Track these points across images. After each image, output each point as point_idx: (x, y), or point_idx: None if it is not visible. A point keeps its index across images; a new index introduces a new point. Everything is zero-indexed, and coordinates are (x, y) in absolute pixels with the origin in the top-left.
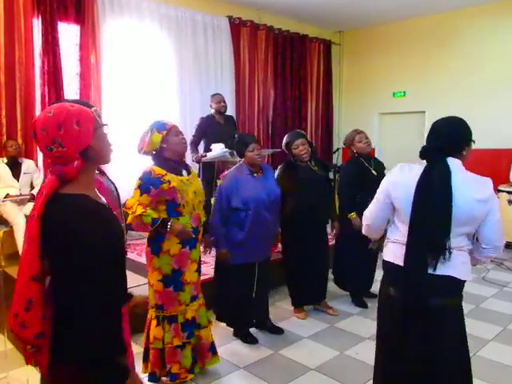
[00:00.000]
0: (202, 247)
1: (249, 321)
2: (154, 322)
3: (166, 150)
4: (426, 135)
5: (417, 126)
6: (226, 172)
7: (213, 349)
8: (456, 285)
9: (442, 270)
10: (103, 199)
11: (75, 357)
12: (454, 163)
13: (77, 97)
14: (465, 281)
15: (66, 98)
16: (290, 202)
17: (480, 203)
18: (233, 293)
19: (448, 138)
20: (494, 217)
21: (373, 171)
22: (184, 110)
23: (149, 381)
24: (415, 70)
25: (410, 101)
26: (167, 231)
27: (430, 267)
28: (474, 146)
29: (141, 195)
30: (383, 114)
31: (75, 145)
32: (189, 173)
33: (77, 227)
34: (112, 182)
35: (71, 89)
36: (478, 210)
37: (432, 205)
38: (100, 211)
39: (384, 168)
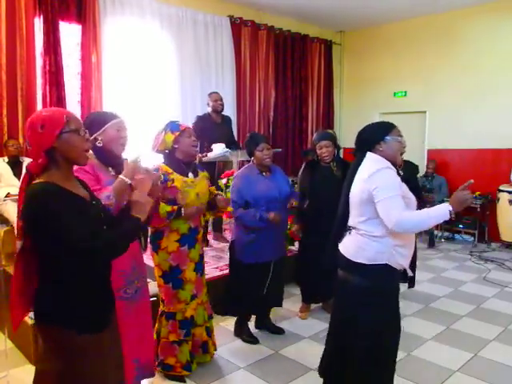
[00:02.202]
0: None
1: (250, 312)
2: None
3: (178, 151)
4: (427, 135)
5: (418, 126)
6: (232, 171)
7: (204, 347)
8: (349, 262)
9: (341, 245)
10: (82, 190)
11: (55, 316)
12: (369, 156)
13: (78, 96)
14: (357, 262)
15: (66, 97)
16: (306, 199)
17: (365, 182)
18: (246, 290)
19: (358, 139)
20: (378, 198)
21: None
22: (185, 110)
23: None
24: (416, 70)
25: (411, 101)
26: (180, 218)
27: (338, 241)
28: (475, 146)
29: None
30: (384, 114)
31: (38, 145)
32: (196, 175)
33: (35, 207)
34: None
35: (72, 88)
36: (364, 188)
37: (343, 189)
38: (57, 193)
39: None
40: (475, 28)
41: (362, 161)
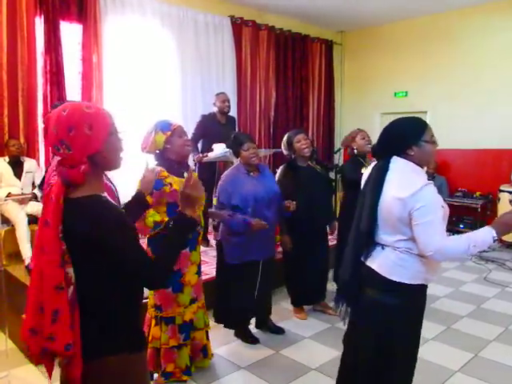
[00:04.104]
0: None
1: (246, 319)
2: (153, 322)
3: (170, 151)
4: None
5: None
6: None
7: (204, 351)
8: (379, 279)
9: (369, 261)
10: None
11: (111, 352)
12: (396, 162)
13: (79, 97)
14: (396, 281)
15: (67, 97)
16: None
17: (399, 202)
18: (235, 293)
19: (388, 138)
20: (418, 220)
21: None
22: (185, 110)
23: None
24: (417, 70)
25: (412, 101)
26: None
27: (364, 257)
28: (476, 146)
29: None
30: (385, 114)
31: (83, 149)
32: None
33: (97, 230)
34: (111, 183)
35: (73, 88)
36: (397, 208)
37: (365, 201)
38: (116, 210)
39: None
40: (477, 28)
41: (387, 167)
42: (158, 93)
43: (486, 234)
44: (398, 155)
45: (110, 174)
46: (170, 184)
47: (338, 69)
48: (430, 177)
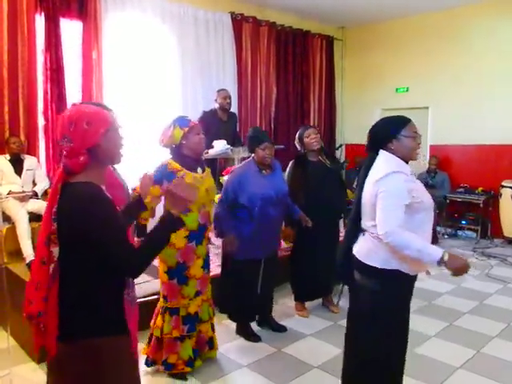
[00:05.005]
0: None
1: (251, 316)
2: (160, 311)
3: (185, 147)
4: (429, 131)
5: (420, 122)
6: (233, 167)
7: (210, 343)
8: (361, 264)
9: (354, 246)
10: (109, 195)
11: (85, 332)
12: (381, 156)
13: (79, 94)
14: (371, 266)
15: (67, 94)
16: (301, 197)
17: (371, 187)
18: (237, 288)
19: (372, 134)
20: (379, 204)
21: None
22: (186, 106)
23: (144, 364)
24: (418, 66)
25: (413, 97)
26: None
27: (352, 243)
28: (477, 142)
29: (153, 187)
30: (386, 110)
31: (82, 142)
32: (203, 170)
33: (81, 209)
34: (122, 179)
35: (73, 86)
36: (369, 193)
37: (356, 189)
38: (106, 198)
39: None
40: (478, 24)
41: (374, 160)
42: (159, 89)
43: (435, 252)
44: (383, 149)
45: (121, 170)
46: (182, 177)
47: (339, 64)
48: (432, 172)
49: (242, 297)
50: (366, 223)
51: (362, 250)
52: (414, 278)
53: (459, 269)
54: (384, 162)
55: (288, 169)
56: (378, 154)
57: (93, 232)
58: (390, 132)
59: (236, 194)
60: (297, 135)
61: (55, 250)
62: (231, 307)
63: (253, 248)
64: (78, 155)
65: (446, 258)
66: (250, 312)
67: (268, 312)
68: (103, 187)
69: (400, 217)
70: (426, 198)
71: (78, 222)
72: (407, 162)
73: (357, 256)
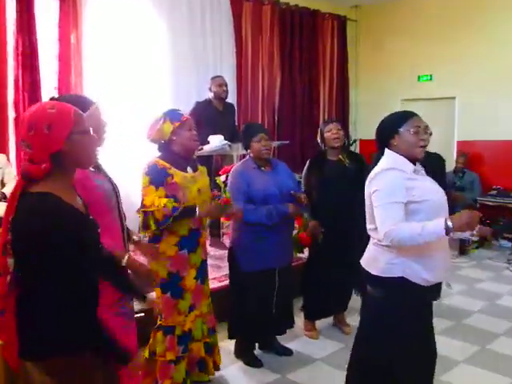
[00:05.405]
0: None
1: (260, 339)
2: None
3: (175, 143)
4: (456, 124)
5: (446, 115)
6: (232, 166)
7: (201, 365)
8: (365, 272)
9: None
10: (79, 202)
11: (45, 351)
12: (385, 153)
13: (55, 81)
14: (375, 275)
15: (41, 82)
16: (314, 200)
17: (367, 185)
18: (250, 305)
19: (377, 131)
20: (374, 203)
21: None
22: (178, 97)
23: None
24: (444, 51)
25: (438, 86)
26: (194, 217)
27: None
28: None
29: (157, 189)
30: (406, 101)
31: (42, 148)
32: (195, 170)
33: (35, 226)
34: (110, 180)
35: (48, 72)
36: (368, 192)
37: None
38: (64, 212)
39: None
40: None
41: (379, 160)
42: (147, 79)
43: (436, 226)
44: (388, 147)
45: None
46: (172, 176)
47: (353, 49)
48: (460, 172)
49: (255, 314)
50: (368, 227)
51: (366, 257)
52: (427, 289)
53: (469, 223)
54: (383, 160)
55: (304, 169)
56: (382, 153)
57: (42, 237)
58: (391, 128)
59: (246, 194)
60: (318, 130)
61: (10, 261)
62: (243, 330)
63: (264, 256)
64: (39, 162)
65: (449, 223)
66: (263, 331)
67: (288, 327)
68: (74, 193)
69: (396, 216)
70: (431, 197)
71: (29, 239)
72: (413, 161)
73: (362, 264)
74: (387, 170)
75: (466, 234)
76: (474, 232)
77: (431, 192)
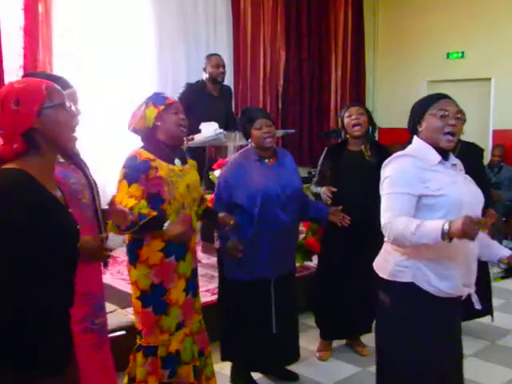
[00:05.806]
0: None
1: (260, 365)
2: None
3: (160, 130)
4: (492, 110)
5: (480, 99)
6: (227, 159)
7: None
8: (374, 274)
9: None
10: (58, 193)
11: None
12: (413, 140)
13: (20, 59)
14: (383, 278)
15: (3, 59)
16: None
17: (382, 171)
18: (241, 321)
19: (409, 118)
20: (383, 189)
21: None
22: (164, 80)
23: None
24: (477, 24)
25: (471, 64)
26: (160, 233)
27: None
28: None
29: (129, 186)
30: (434, 82)
31: (12, 126)
32: (184, 162)
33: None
34: (86, 174)
35: (12, 48)
36: (381, 180)
37: None
38: (34, 189)
39: None
40: None
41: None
42: (128, 57)
43: (434, 227)
44: (416, 135)
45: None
46: (156, 168)
47: (371, 22)
48: (496, 167)
49: (249, 335)
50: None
51: (377, 259)
52: (445, 302)
53: (464, 230)
54: (407, 148)
55: (320, 159)
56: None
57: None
58: (418, 111)
59: (230, 193)
60: (339, 114)
61: None
62: (236, 352)
63: (256, 264)
64: (11, 141)
65: (446, 227)
66: (263, 357)
67: (293, 358)
68: (53, 181)
69: (398, 207)
70: (453, 192)
71: None
72: (442, 150)
73: (374, 266)
74: (401, 156)
75: (493, 259)
76: (500, 257)
77: (452, 186)
